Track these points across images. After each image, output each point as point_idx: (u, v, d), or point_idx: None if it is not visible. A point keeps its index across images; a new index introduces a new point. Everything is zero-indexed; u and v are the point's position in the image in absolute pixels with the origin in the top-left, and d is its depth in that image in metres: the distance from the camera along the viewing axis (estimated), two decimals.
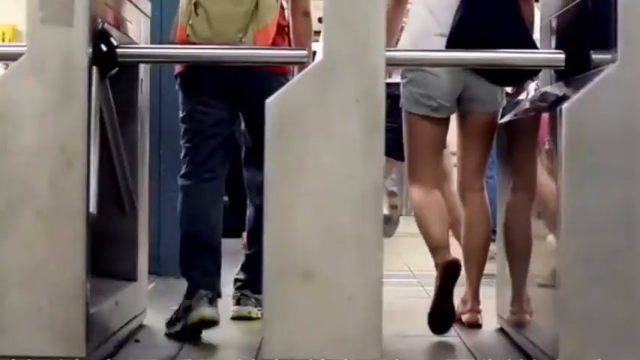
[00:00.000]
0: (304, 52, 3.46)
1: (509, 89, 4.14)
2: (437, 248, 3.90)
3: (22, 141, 3.04)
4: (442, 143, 4.07)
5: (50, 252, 3.03)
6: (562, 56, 3.35)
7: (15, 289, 3.03)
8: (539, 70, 3.90)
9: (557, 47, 3.59)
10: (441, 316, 3.85)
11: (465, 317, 4.05)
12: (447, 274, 3.83)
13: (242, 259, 4.35)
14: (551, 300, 3.09)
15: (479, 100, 3.91)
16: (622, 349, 2.97)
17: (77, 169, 3.05)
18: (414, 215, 4.10)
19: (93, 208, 3.06)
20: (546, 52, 3.66)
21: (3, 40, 8.44)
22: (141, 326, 3.90)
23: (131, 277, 3.77)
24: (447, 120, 3.96)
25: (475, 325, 4.00)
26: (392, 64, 3.40)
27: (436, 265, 3.91)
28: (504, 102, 4.03)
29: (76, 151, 3.05)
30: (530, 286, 3.52)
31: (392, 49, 3.33)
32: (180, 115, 3.95)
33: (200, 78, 3.82)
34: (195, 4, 3.65)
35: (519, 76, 3.95)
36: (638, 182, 2.99)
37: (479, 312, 4.04)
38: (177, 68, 3.93)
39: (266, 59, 3.64)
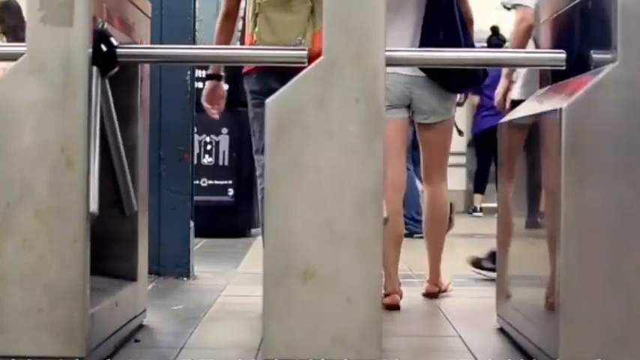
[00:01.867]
0: (304, 53, 3.46)
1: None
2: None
3: (22, 141, 3.04)
4: (401, 140, 4.56)
5: (50, 252, 3.03)
6: (563, 55, 3.36)
7: (15, 289, 3.03)
8: (484, 78, 4.62)
9: (557, 47, 3.59)
10: None
11: (425, 287, 4.75)
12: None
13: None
14: (551, 300, 3.09)
15: (426, 112, 4.51)
16: (622, 349, 2.97)
17: (77, 169, 3.05)
18: None
19: (94, 208, 3.06)
20: (547, 52, 3.66)
21: None
22: (141, 326, 3.90)
23: (131, 277, 3.77)
24: (402, 121, 4.50)
25: (432, 296, 4.69)
26: (392, 64, 3.40)
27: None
28: (455, 111, 4.64)
29: (76, 151, 3.05)
30: (530, 286, 3.52)
31: (392, 48, 3.33)
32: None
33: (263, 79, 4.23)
34: (257, 15, 4.14)
35: (467, 82, 4.61)
36: (638, 182, 2.99)
37: (437, 284, 4.73)
38: (246, 68, 4.34)
39: (266, 59, 3.69)
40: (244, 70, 4.32)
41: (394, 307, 4.37)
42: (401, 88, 4.44)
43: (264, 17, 4.11)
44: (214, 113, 4.49)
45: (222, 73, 4.45)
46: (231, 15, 4.35)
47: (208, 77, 4.46)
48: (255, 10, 4.15)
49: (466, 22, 4.49)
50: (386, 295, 4.34)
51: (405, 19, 4.43)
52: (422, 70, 4.42)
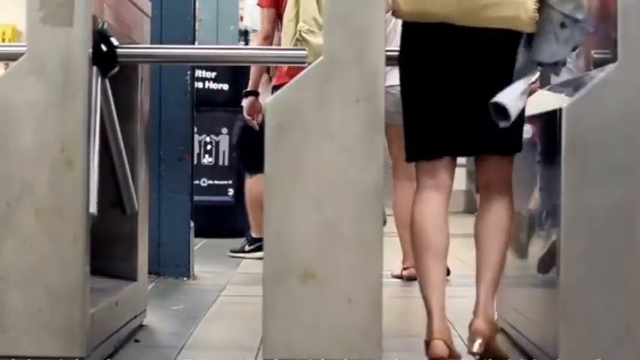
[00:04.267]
0: (304, 52, 3.47)
1: None
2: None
3: (22, 141, 3.04)
4: None
5: (50, 252, 3.03)
6: None
7: (15, 289, 3.03)
8: None
9: None
10: None
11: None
12: None
13: None
14: (551, 300, 3.09)
15: None
16: (622, 349, 2.97)
17: (77, 169, 3.05)
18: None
19: (93, 209, 3.06)
20: None
21: (3, 40, 8.43)
22: (141, 326, 3.90)
23: (131, 277, 3.77)
24: None
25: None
26: (392, 64, 3.40)
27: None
28: None
29: (75, 150, 3.05)
30: (530, 286, 3.52)
31: (392, 49, 3.33)
32: None
33: None
34: (298, 39, 4.37)
35: None
36: (638, 182, 2.99)
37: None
38: (278, 80, 4.62)
39: (266, 59, 3.69)
40: (277, 82, 4.54)
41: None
42: None
43: (305, 42, 4.33)
44: (255, 124, 5.26)
45: (259, 90, 5.17)
46: (269, 37, 4.85)
47: (247, 94, 5.11)
48: (295, 34, 4.39)
49: None
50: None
51: None
52: None
